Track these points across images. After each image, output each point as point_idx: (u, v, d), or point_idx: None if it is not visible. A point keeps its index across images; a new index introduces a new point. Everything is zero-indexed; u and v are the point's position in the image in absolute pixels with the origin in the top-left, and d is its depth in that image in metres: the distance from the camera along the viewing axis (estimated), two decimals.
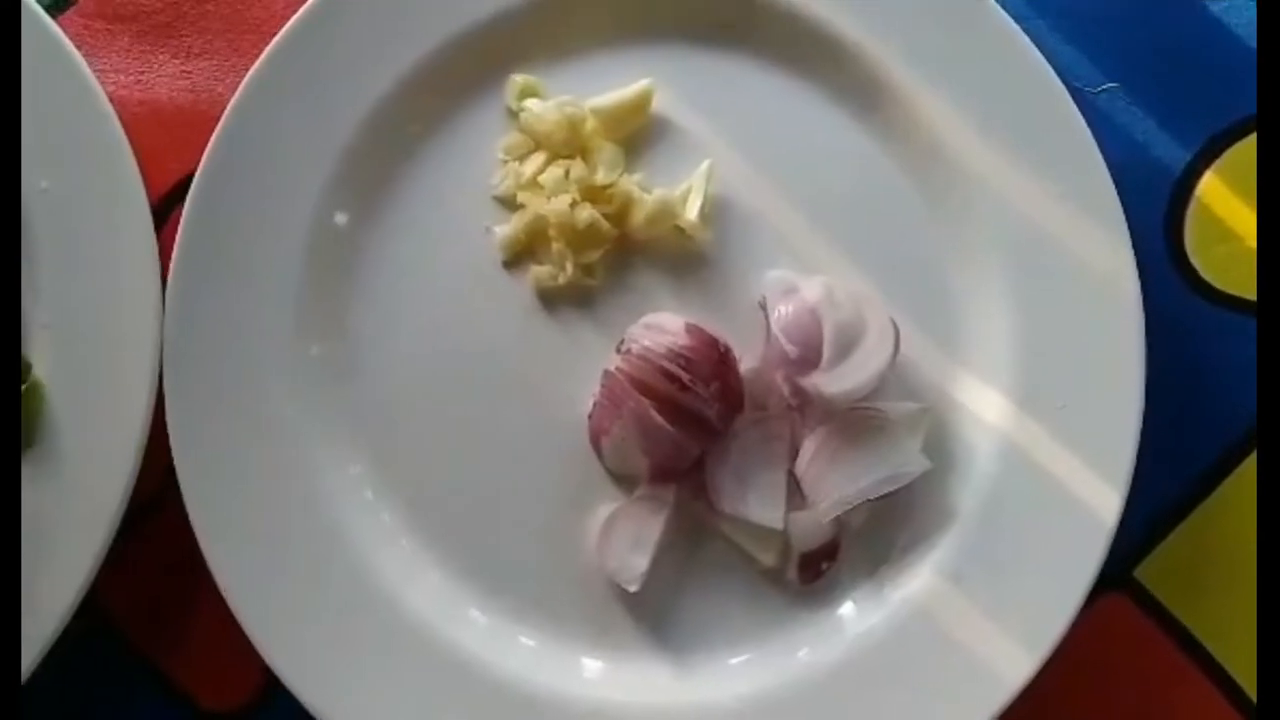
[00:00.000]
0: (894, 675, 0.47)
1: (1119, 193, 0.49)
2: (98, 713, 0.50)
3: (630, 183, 0.51)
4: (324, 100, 0.51)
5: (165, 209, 0.52)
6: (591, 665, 0.48)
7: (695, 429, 0.48)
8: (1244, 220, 0.53)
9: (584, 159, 0.52)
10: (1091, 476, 0.48)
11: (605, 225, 0.51)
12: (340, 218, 0.51)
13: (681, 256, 0.52)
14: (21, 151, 0.49)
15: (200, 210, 0.49)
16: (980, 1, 0.51)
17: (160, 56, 0.55)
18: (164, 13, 0.55)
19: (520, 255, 0.52)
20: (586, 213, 0.50)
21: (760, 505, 0.48)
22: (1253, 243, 0.53)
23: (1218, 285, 0.53)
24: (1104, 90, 0.54)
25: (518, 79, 0.52)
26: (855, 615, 0.49)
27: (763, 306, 0.49)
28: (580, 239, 0.51)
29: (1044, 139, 0.50)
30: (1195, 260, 0.53)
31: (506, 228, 0.51)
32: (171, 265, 0.49)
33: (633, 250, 0.52)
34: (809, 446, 0.48)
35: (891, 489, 0.47)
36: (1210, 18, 0.55)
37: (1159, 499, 0.51)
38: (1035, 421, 0.49)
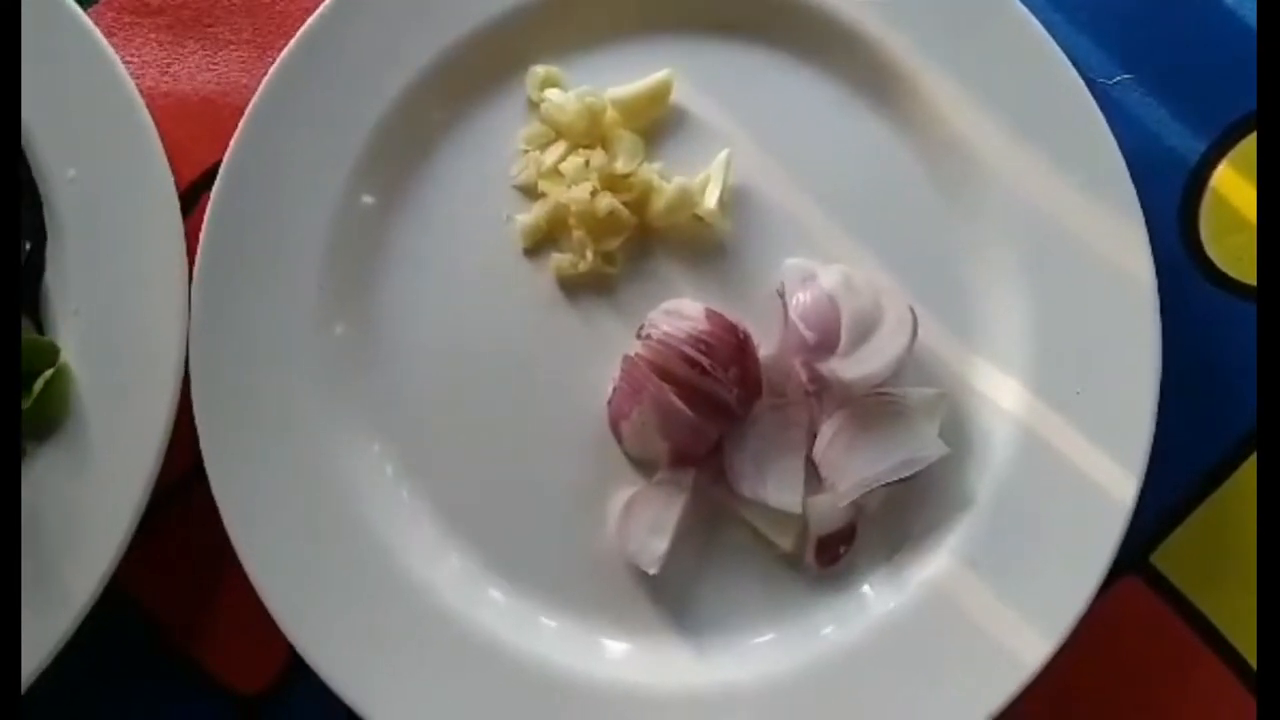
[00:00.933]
0: (911, 658, 0.48)
1: (1134, 183, 0.50)
2: (124, 695, 0.51)
3: (650, 171, 0.52)
4: (349, 91, 0.52)
5: (191, 197, 0.53)
6: (613, 647, 0.49)
7: (714, 414, 0.48)
8: None
9: (604, 148, 0.52)
10: (1107, 462, 0.48)
11: (625, 213, 0.51)
12: (365, 204, 0.52)
13: (700, 245, 0.52)
14: (22, 139, 0.50)
15: (227, 197, 0.50)
16: None
17: (187, 48, 0.56)
18: (191, 6, 0.56)
19: (541, 243, 0.52)
20: (606, 201, 0.51)
21: (778, 489, 0.48)
22: None
23: (1232, 274, 0.53)
24: (1118, 81, 0.55)
25: (538, 70, 0.53)
26: (873, 599, 0.49)
27: (781, 294, 0.49)
28: (600, 227, 0.51)
29: (1060, 129, 0.51)
30: (1210, 249, 0.53)
31: (527, 216, 0.52)
32: (198, 251, 0.50)
33: (652, 238, 0.52)
34: (827, 431, 0.48)
35: (909, 473, 0.47)
36: (1223, 9, 0.55)
37: (1174, 485, 0.51)
38: (1051, 408, 0.49)
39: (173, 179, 0.50)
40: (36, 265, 0.51)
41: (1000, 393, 0.50)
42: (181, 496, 0.51)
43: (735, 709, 0.47)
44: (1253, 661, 0.50)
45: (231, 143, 0.50)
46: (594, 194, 0.51)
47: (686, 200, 0.51)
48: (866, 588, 0.49)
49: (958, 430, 0.50)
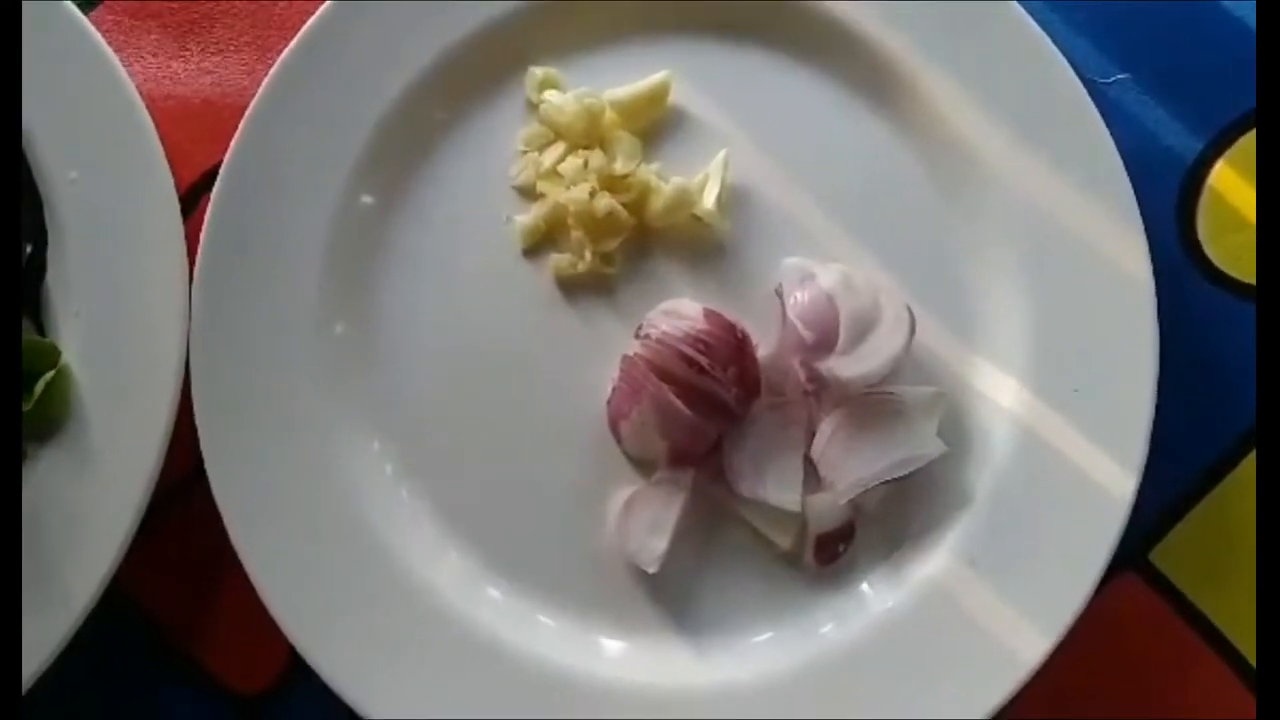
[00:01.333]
0: (910, 656, 0.48)
1: (1132, 182, 0.50)
2: (124, 695, 0.51)
3: (648, 172, 0.52)
4: (349, 91, 0.52)
5: (191, 199, 0.53)
6: (612, 646, 0.49)
7: (713, 413, 0.48)
8: None
9: (603, 149, 0.52)
10: (1106, 460, 0.48)
11: (623, 214, 0.51)
12: (365, 204, 0.52)
13: (699, 245, 0.52)
14: (23, 141, 0.51)
15: (227, 198, 0.50)
16: None
17: (187, 50, 0.56)
18: (191, 8, 0.56)
19: (540, 244, 0.52)
20: (605, 201, 0.51)
21: (777, 488, 0.48)
22: None
23: (1231, 273, 0.53)
24: (1115, 81, 0.55)
25: (537, 72, 0.53)
26: (872, 597, 0.49)
27: (779, 294, 0.50)
28: (599, 227, 0.51)
29: (1057, 129, 0.51)
30: (1208, 248, 0.53)
31: (526, 217, 0.52)
32: (199, 252, 0.50)
33: (651, 239, 0.52)
34: (825, 429, 0.48)
35: (907, 472, 0.47)
36: (1221, 9, 0.55)
37: (1173, 483, 0.51)
38: (1050, 406, 0.49)
39: (173, 180, 0.50)
40: (37, 267, 0.51)
41: (999, 391, 0.50)
42: (182, 497, 0.51)
43: (735, 708, 0.47)
44: (1252, 659, 0.50)
45: (232, 144, 0.51)
46: (592, 194, 0.51)
47: (685, 200, 0.51)
48: (865, 586, 0.49)
49: (956, 429, 0.50)
